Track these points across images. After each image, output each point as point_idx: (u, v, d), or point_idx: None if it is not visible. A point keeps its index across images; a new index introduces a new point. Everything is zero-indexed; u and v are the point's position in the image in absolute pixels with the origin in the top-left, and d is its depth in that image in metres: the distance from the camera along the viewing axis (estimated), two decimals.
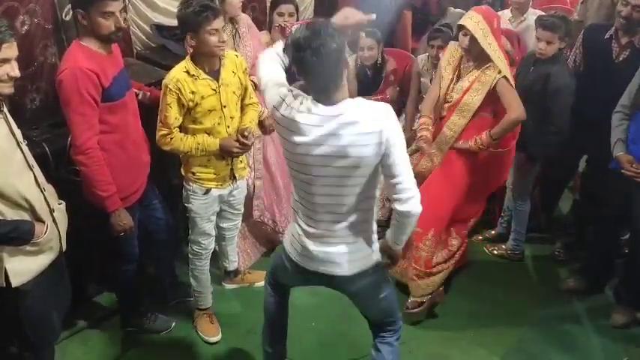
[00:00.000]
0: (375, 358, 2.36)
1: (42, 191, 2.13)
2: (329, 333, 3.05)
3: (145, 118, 2.69)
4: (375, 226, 2.14)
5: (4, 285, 2.06)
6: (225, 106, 2.62)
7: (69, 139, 2.50)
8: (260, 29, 3.38)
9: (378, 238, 2.17)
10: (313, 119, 1.90)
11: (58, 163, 2.63)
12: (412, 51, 4.44)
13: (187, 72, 2.51)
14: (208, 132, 2.62)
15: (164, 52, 3.48)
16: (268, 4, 3.97)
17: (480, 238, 3.83)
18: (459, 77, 3.12)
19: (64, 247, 2.25)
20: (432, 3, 4.89)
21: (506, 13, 3.91)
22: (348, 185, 1.97)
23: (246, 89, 2.74)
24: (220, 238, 3.09)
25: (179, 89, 2.48)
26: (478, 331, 3.12)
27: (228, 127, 2.66)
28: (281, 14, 3.38)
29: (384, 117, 1.90)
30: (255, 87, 3.07)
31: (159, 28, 3.52)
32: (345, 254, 2.08)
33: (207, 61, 2.55)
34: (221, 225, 3.02)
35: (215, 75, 2.58)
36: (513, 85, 3.01)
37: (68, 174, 2.61)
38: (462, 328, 3.14)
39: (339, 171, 1.93)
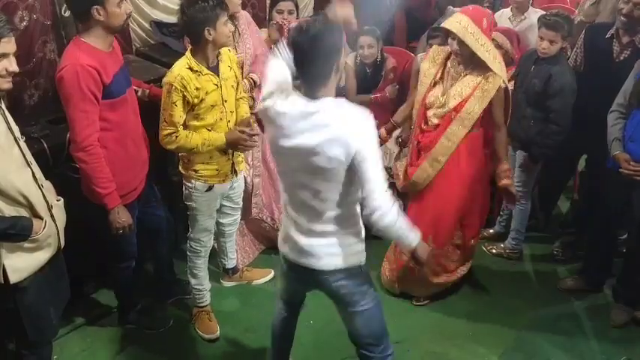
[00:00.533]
0: None
1: (40, 187, 2.12)
2: (326, 332, 3.05)
3: (145, 116, 2.69)
4: (360, 228, 2.13)
5: (2, 281, 2.05)
6: (226, 101, 2.62)
7: (68, 135, 2.50)
8: (260, 26, 3.37)
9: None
10: (293, 112, 1.92)
11: (56, 160, 2.63)
12: (410, 50, 4.43)
13: (190, 68, 2.50)
14: (210, 128, 2.61)
15: (163, 49, 3.47)
16: (268, 2, 3.98)
17: (479, 237, 3.83)
18: (442, 80, 2.93)
19: (62, 244, 2.25)
20: (425, 6, 4.87)
21: (506, 12, 3.91)
22: (323, 183, 1.97)
23: (238, 83, 2.75)
24: (220, 234, 3.09)
25: (184, 86, 2.47)
26: (476, 330, 3.13)
27: (229, 121, 2.67)
28: (280, 11, 3.37)
29: (358, 131, 1.88)
30: (255, 84, 3.08)
31: (158, 25, 3.52)
32: (324, 247, 2.08)
33: (209, 57, 2.54)
34: (221, 221, 3.02)
35: (215, 70, 2.58)
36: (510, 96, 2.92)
37: (67, 170, 2.61)
38: (460, 327, 3.14)
39: (310, 169, 1.94)
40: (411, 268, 3.07)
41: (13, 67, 1.94)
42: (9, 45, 1.91)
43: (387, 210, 1.92)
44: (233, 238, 3.21)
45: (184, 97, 2.49)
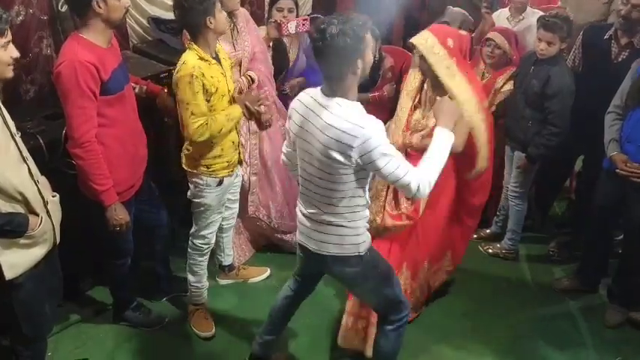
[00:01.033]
0: (374, 344, 2.53)
1: (36, 183, 2.11)
2: (322, 330, 3.05)
3: (142, 112, 2.67)
4: (360, 222, 2.20)
5: None
6: (229, 90, 2.65)
7: (64, 131, 2.48)
8: (258, 24, 3.36)
9: None
10: (311, 103, 2.07)
11: (52, 155, 2.62)
12: (407, 49, 4.43)
13: (201, 58, 2.50)
14: None
15: (161, 45, 3.46)
16: (267, 0, 3.97)
17: (475, 236, 3.82)
18: (420, 104, 2.85)
19: (58, 240, 2.24)
20: (420, 7, 4.87)
21: (504, 12, 3.91)
22: (327, 176, 2.07)
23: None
24: (218, 229, 3.08)
25: (203, 75, 2.48)
26: (472, 329, 3.13)
27: None
28: (280, 9, 3.36)
29: (362, 139, 1.93)
30: (252, 81, 3.07)
31: (156, 21, 3.50)
32: (321, 234, 2.20)
33: (211, 46, 2.55)
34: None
35: (217, 60, 2.60)
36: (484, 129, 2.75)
37: (63, 166, 2.60)
38: (456, 326, 3.14)
39: (317, 161, 2.06)
40: None
41: (15, 53, 1.98)
42: (9, 33, 1.93)
43: (415, 191, 2.02)
44: (230, 233, 3.20)
45: (204, 85, 2.49)
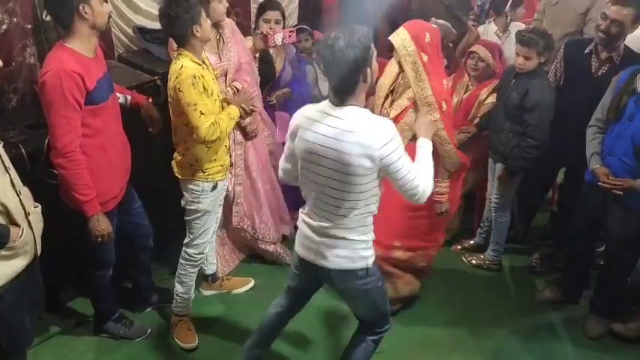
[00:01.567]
0: (347, 350, 2.51)
1: (18, 194, 2.09)
2: (305, 340, 3.05)
3: (127, 123, 2.66)
4: (370, 236, 2.23)
5: None
6: (219, 95, 2.66)
7: (46, 140, 2.46)
8: (244, 35, 3.37)
9: None
10: (319, 116, 2.07)
11: (34, 165, 2.59)
12: None
13: (195, 62, 2.51)
14: None
15: (146, 55, 3.44)
16: (253, 10, 3.98)
17: (459, 247, 3.86)
18: (391, 93, 2.94)
19: (39, 251, 2.21)
20: (404, 15, 4.91)
21: (492, 26, 3.95)
22: (341, 188, 2.08)
23: None
24: None
25: (202, 76, 2.49)
26: (455, 340, 3.14)
27: None
28: (267, 21, 3.37)
29: (385, 140, 1.99)
30: (238, 92, 3.07)
31: (142, 30, 3.49)
32: (332, 249, 2.20)
33: (199, 53, 2.57)
34: None
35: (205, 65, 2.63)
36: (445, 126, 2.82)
37: (45, 176, 2.57)
38: (439, 337, 3.15)
39: (328, 171, 2.07)
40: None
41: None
42: None
43: (419, 197, 2.15)
44: (214, 240, 3.19)
45: (204, 87, 2.50)
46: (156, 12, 2.57)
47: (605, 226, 3.06)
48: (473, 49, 3.53)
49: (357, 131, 1.99)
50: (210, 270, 3.29)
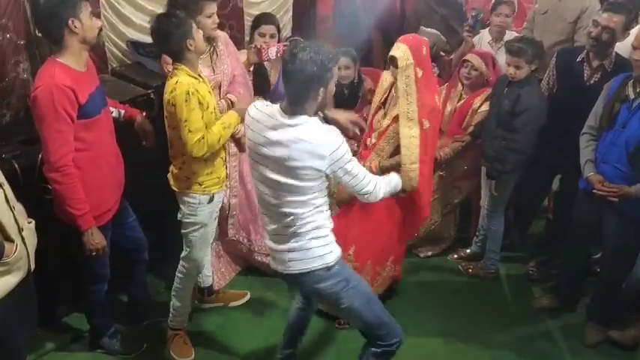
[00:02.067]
0: None
1: (11, 209, 2.08)
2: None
3: (120, 136, 2.65)
4: (324, 232, 2.25)
5: None
6: (215, 107, 2.66)
7: (40, 155, 2.45)
8: (238, 47, 3.38)
9: None
10: (271, 122, 2.13)
11: (27, 180, 2.58)
12: None
13: (191, 77, 2.52)
14: None
15: (139, 68, 3.44)
16: (246, 23, 3.99)
17: (455, 256, 3.86)
18: (383, 105, 3.03)
19: (32, 267, 2.19)
20: (399, 27, 4.95)
21: (486, 36, 3.98)
22: (289, 191, 2.14)
23: None
24: None
25: (197, 91, 2.50)
26: (453, 350, 3.13)
27: None
28: (262, 35, 3.38)
29: (334, 146, 2.08)
30: (232, 104, 3.07)
31: (135, 44, 3.49)
32: (286, 252, 2.25)
33: (195, 66, 2.58)
34: None
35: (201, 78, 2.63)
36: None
37: (38, 191, 2.56)
38: (436, 346, 3.14)
39: (279, 176, 2.13)
40: None
41: None
42: None
43: (372, 197, 2.30)
44: (209, 252, 3.17)
45: (199, 101, 2.51)
46: (149, 25, 2.58)
47: (601, 233, 3.06)
48: (466, 57, 3.55)
49: (307, 139, 2.06)
50: (206, 283, 3.27)
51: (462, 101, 3.61)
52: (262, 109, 2.19)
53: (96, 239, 2.48)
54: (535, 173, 3.46)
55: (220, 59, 3.09)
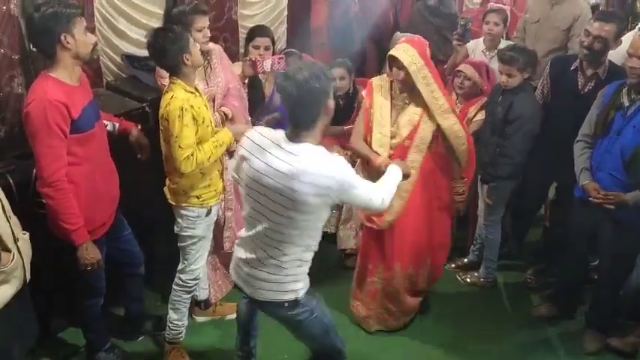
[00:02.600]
0: None
1: (8, 220, 2.09)
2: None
3: (114, 150, 2.65)
4: (301, 270, 2.22)
5: None
6: (211, 121, 2.66)
7: (34, 171, 2.45)
8: (232, 60, 3.39)
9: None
10: (272, 147, 2.06)
11: (22, 195, 2.57)
12: None
13: (187, 91, 2.53)
14: None
15: (134, 82, 3.45)
16: (241, 35, 4.00)
17: (453, 266, 3.85)
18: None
19: (28, 277, 2.19)
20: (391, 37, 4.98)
21: (480, 44, 3.99)
22: (283, 220, 2.07)
23: None
24: None
25: (192, 106, 2.50)
26: (451, 358, 3.11)
27: None
28: (257, 47, 3.39)
29: (339, 179, 2.03)
30: (227, 117, 3.08)
31: (130, 58, 3.50)
32: (260, 281, 2.20)
33: (192, 80, 2.59)
34: None
35: (198, 92, 2.64)
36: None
37: (33, 206, 2.55)
38: (437, 357, 3.13)
39: (273, 205, 2.06)
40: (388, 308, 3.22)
41: None
42: None
43: (382, 208, 2.25)
44: (205, 264, 3.16)
45: (193, 117, 2.51)
46: (144, 39, 2.58)
47: (598, 241, 3.06)
48: (459, 68, 3.56)
49: (311, 171, 1.99)
50: (202, 296, 3.26)
51: (457, 110, 3.62)
52: (267, 135, 2.13)
53: (90, 253, 2.47)
54: (531, 181, 3.46)
55: (214, 72, 3.10)
